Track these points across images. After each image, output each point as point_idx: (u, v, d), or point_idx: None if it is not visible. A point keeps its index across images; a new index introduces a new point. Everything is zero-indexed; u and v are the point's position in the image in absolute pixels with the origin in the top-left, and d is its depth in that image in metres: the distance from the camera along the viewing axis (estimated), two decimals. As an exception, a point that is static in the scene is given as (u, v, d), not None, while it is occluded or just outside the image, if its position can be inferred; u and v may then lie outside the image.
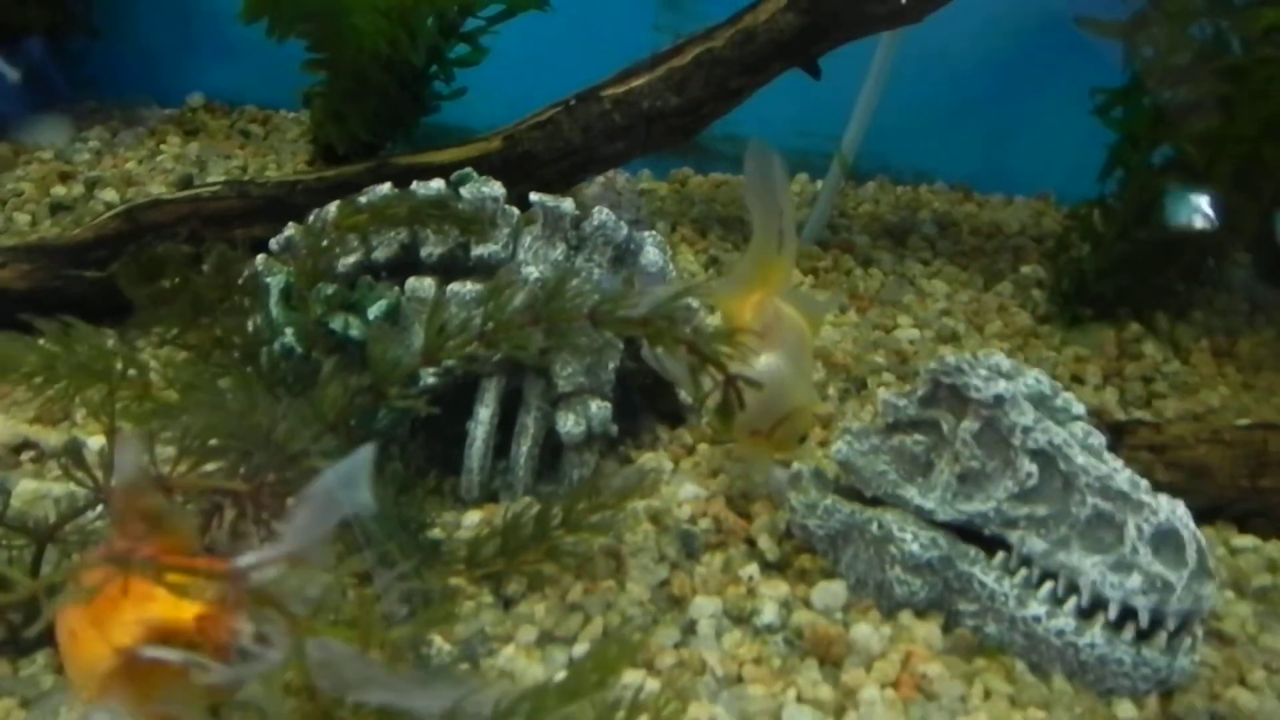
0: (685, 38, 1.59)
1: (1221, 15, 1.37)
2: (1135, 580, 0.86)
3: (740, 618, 1.05)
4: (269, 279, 1.27)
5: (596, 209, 1.26)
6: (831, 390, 1.42)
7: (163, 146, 2.00)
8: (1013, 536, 0.94)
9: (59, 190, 1.81)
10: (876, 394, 1.44)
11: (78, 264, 1.41)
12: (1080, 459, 0.90)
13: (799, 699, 0.96)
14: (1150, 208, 1.54)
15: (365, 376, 1.12)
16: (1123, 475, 0.89)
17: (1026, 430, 0.92)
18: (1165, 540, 0.87)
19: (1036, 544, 0.92)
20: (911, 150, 2.06)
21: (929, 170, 2.09)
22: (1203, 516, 0.95)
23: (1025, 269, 1.76)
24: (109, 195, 1.80)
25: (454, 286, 1.23)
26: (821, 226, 1.81)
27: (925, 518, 1.00)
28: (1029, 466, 0.92)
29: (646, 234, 1.31)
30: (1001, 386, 0.93)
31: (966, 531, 0.99)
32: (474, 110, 1.84)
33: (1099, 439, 0.93)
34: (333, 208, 1.28)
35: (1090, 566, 0.88)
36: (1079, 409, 0.95)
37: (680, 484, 1.21)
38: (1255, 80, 1.34)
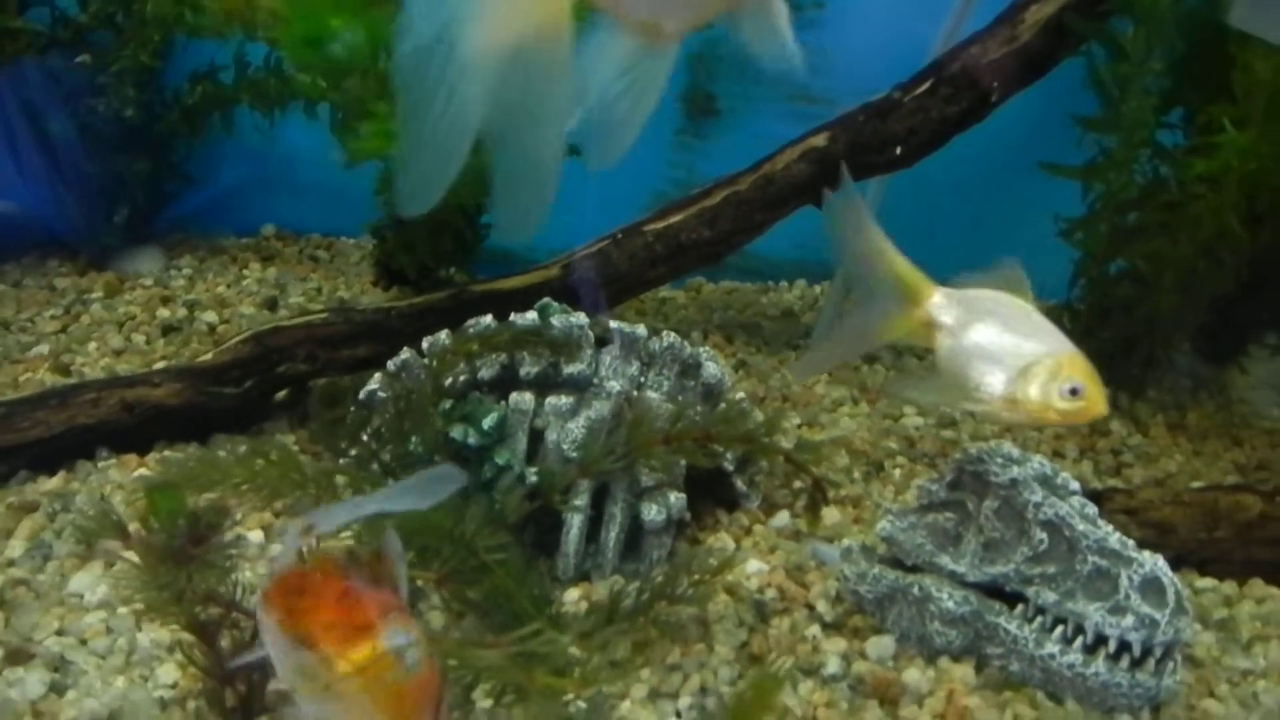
0: (715, 181, 1.84)
1: (1160, 161, 1.66)
2: (1129, 620, 1.10)
3: (810, 670, 1.26)
4: (387, 395, 1.50)
5: (665, 332, 1.51)
6: (856, 474, 1.65)
7: (245, 272, 2.21)
8: (1029, 591, 1.17)
9: (164, 313, 2.01)
10: (893, 474, 1.67)
11: (218, 382, 1.61)
12: (1081, 526, 1.14)
13: (868, 732, 1.17)
14: (1109, 311, 1.81)
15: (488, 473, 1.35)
16: (1114, 537, 1.13)
17: (1037, 505, 1.16)
18: (1150, 587, 1.11)
19: (1049, 596, 1.16)
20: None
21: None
22: (1170, 565, 1.19)
23: (1006, 361, 2.02)
24: (209, 316, 2.01)
25: (551, 400, 1.45)
26: (828, 329, 2.06)
27: (958, 580, 1.23)
28: (1040, 535, 1.16)
29: (702, 350, 1.55)
30: (1015, 471, 1.18)
31: (992, 590, 1.22)
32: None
33: (1093, 509, 1.17)
34: (444, 335, 1.51)
35: (1093, 611, 1.11)
36: (1075, 486, 1.19)
37: (745, 560, 1.43)
38: (1190, 212, 1.62)
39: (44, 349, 1.86)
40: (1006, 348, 1.07)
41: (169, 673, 1.17)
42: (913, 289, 1.14)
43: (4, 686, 1.14)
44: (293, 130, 2.09)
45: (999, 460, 1.20)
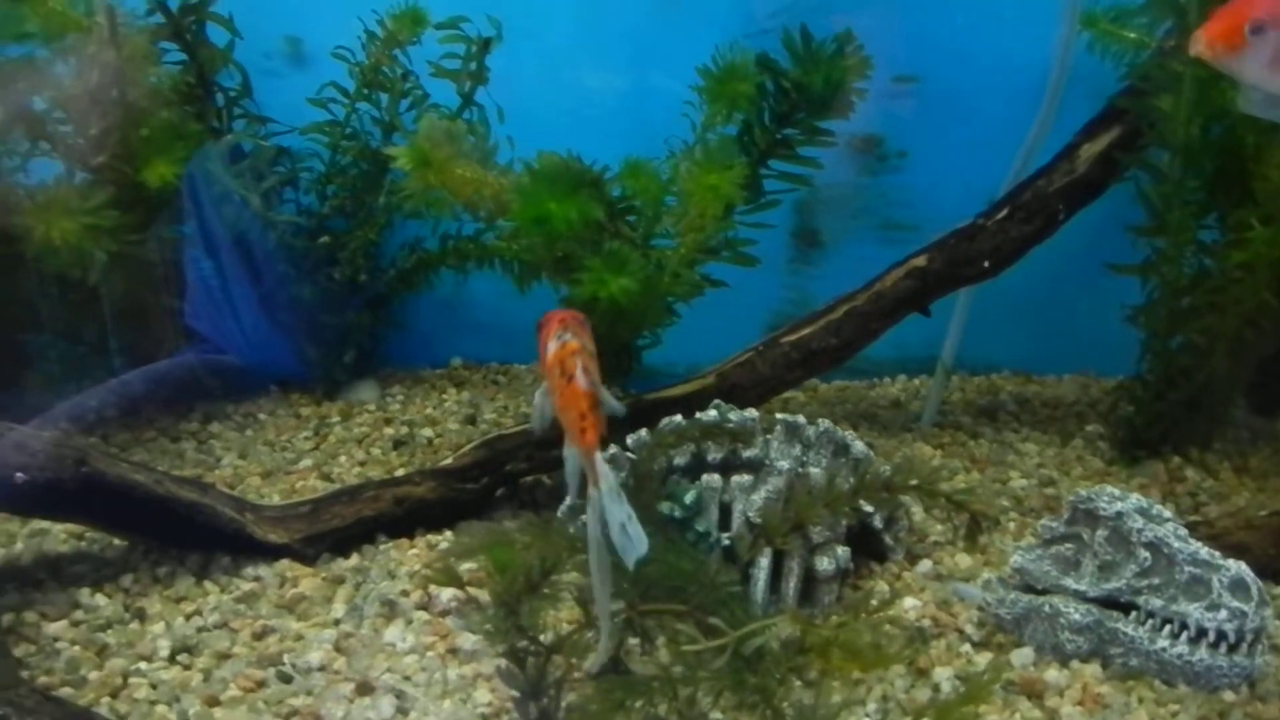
0: (836, 298, 2.17)
1: (1203, 255, 1.96)
2: (1223, 614, 1.35)
3: (967, 678, 1.51)
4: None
5: (819, 419, 1.82)
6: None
7: (444, 396, 2.57)
8: (1140, 600, 1.44)
9: (389, 431, 2.37)
10: (1009, 527, 1.94)
11: (463, 480, 1.95)
12: (1176, 544, 1.41)
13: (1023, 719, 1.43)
14: (1174, 378, 2.08)
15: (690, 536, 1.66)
16: (1204, 550, 1.40)
17: (1139, 531, 1.44)
18: (1238, 586, 1.36)
19: (1156, 602, 1.42)
20: (980, 348, 2.59)
21: (996, 362, 2.64)
22: (1249, 577, 1.44)
23: (1089, 428, 2.29)
24: (426, 432, 2.36)
25: (735, 479, 1.76)
26: (935, 414, 2.35)
27: (1080, 597, 1.50)
28: (1144, 554, 1.43)
29: (848, 433, 1.85)
30: (1119, 505, 1.46)
31: (1108, 602, 1.48)
32: (651, 353, 2.40)
33: (1184, 530, 1.44)
34: (644, 433, 1.83)
35: (1193, 610, 1.37)
36: (1168, 514, 1.46)
37: (901, 598, 1.70)
38: (1232, 293, 1.91)
39: (308, 462, 2.23)
40: None
41: (483, 695, 1.48)
42: None
43: (364, 710, 1.47)
44: (474, 282, 2.50)
45: (1105, 498, 1.48)
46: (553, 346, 1.29)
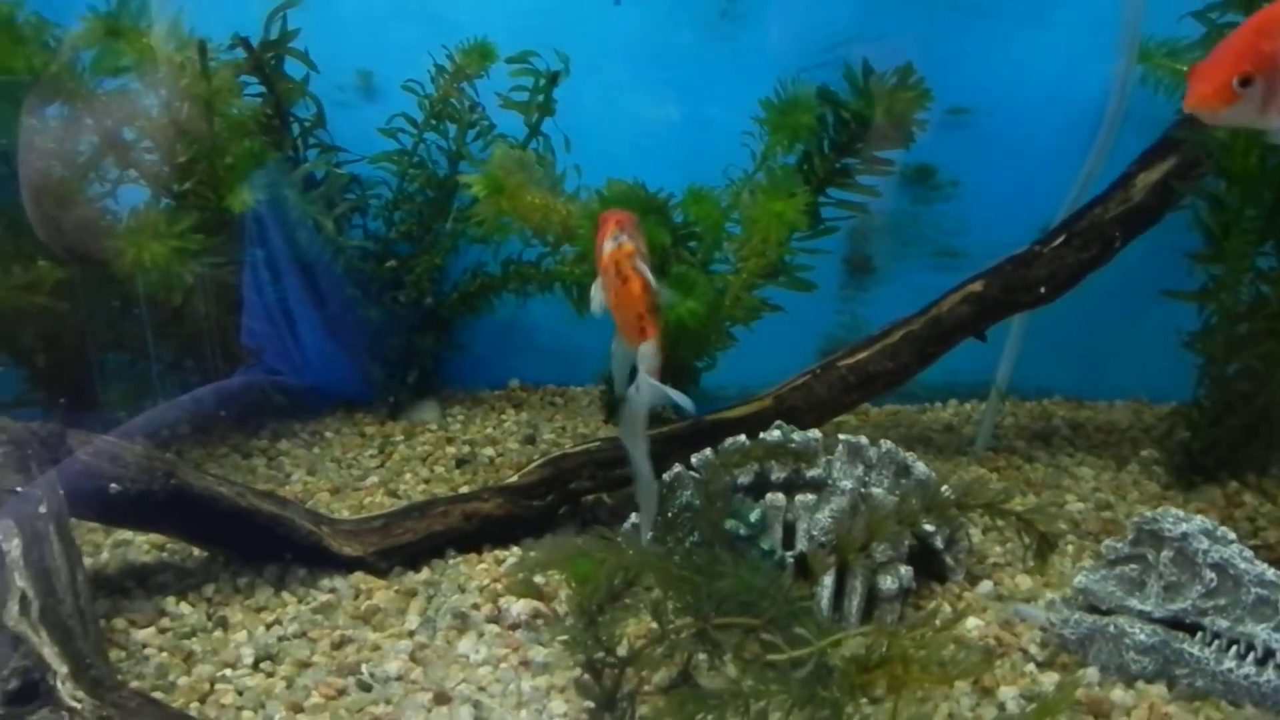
0: (892, 323, 2.21)
1: (1261, 282, 1.97)
2: (1292, 635, 1.37)
3: (1032, 697, 1.53)
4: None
5: (881, 440, 1.85)
6: (1037, 549, 1.93)
7: (503, 417, 2.63)
8: (1205, 621, 1.45)
9: (451, 450, 2.42)
10: (1067, 549, 1.95)
11: (528, 497, 1.99)
12: (1242, 565, 1.42)
13: (1090, 738, 1.44)
14: (1231, 404, 2.09)
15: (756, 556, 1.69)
16: (1270, 571, 1.41)
17: (1205, 552, 1.45)
18: (1306, 608, 1.38)
19: (1222, 623, 1.43)
20: (1031, 373, 2.60)
21: (1047, 387, 2.65)
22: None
23: (1144, 453, 2.29)
24: (488, 451, 2.41)
25: (799, 498, 1.80)
26: (989, 438, 2.37)
27: (1145, 617, 1.51)
28: (1210, 575, 1.44)
29: (909, 455, 1.88)
30: (1184, 526, 1.47)
31: (1173, 623, 1.49)
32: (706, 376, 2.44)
33: (1249, 553, 1.45)
34: (708, 452, 1.87)
35: (1260, 631, 1.39)
36: (1232, 536, 1.47)
37: (964, 618, 1.72)
38: (1292, 320, 1.93)
39: (374, 479, 2.28)
40: None
41: (558, 706, 1.52)
42: None
43: (443, 718, 1.51)
44: (533, 306, 2.56)
45: (1170, 519, 1.50)
46: (609, 247, 1.40)
